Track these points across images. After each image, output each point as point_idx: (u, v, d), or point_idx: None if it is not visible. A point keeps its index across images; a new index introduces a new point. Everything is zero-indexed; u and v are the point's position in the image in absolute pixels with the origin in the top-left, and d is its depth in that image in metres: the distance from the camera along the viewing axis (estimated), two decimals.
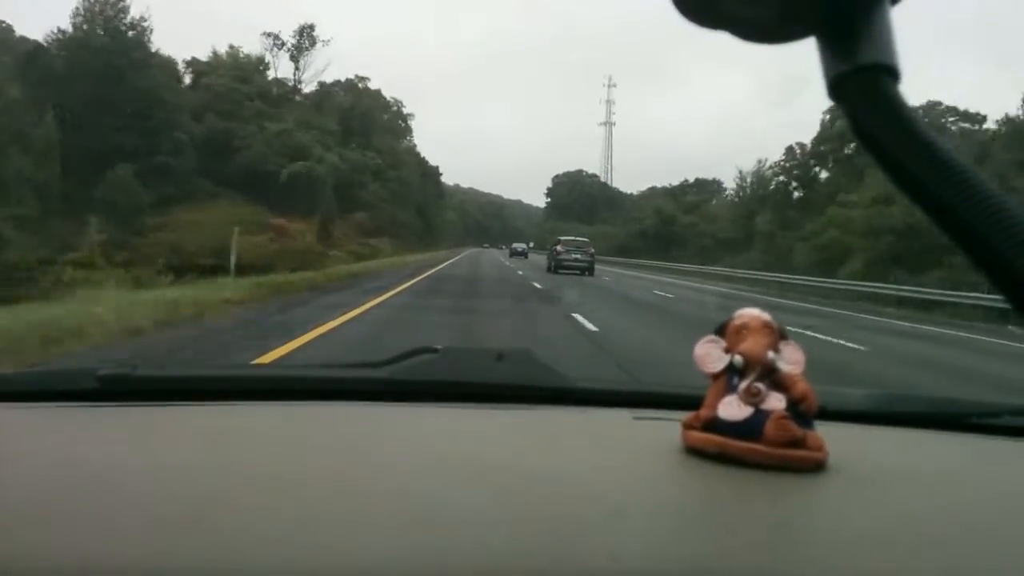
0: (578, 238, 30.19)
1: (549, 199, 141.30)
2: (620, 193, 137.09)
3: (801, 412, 0.74)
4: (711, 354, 0.78)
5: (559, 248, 27.74)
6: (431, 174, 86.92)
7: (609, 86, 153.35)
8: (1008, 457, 0.96)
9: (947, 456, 0.93)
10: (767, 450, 0.71)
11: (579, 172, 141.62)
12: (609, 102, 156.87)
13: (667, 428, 0.82)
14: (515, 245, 58.46)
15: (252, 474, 0.68)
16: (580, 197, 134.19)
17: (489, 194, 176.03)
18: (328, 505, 0.60)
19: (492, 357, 1.06)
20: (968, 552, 0.60)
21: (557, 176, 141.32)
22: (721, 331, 0.80)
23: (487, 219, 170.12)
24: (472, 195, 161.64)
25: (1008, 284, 0.30)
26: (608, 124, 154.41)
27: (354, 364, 1.12)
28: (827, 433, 0.76)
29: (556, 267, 26.55)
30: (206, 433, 0.83)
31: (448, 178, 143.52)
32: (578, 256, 26.88)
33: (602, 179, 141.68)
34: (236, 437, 0.82)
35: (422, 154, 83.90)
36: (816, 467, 0.73)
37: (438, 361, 1.05)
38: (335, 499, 0.62)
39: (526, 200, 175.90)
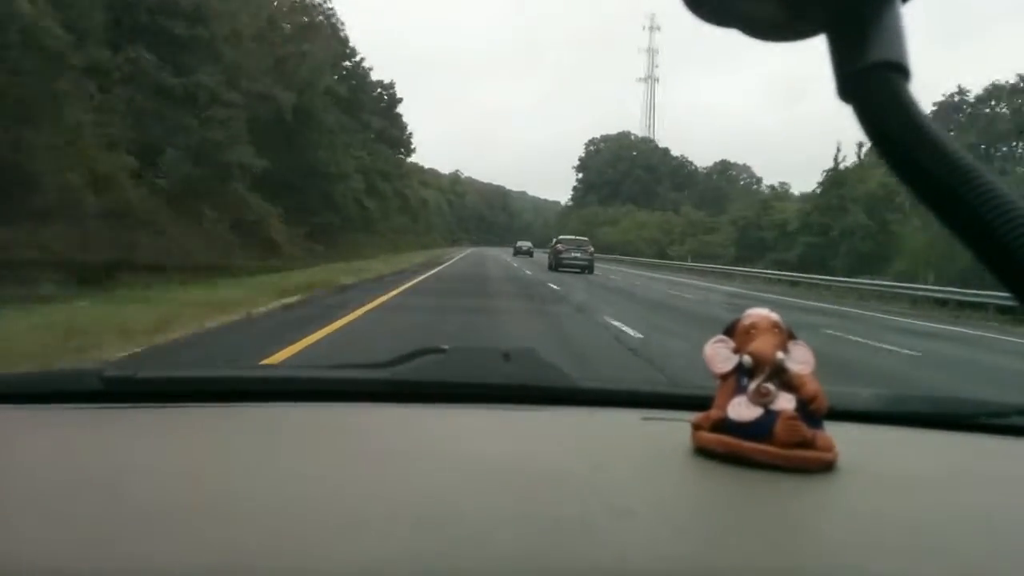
0: (578, 237, 31.32)
1: (581, 175, 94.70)
2: (686, 163, 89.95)
3: (810, 412, 0.73)
4: (720, 354, 0.78)
5: (560, 247, 28.93)
6: (365, 81, 41.13)
7: (652, 29, 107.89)
8: (1017, 457, 0.95)
9: (956, 456, 0.92)
10: (777, 451, 0.71)
11: (626, 135, 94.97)
12: (651, 51, 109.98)
13: (676, 429, 0.81)
14: (519, 243, 55.46)
15: (256, 475, 0.68)
16: (630, 169, 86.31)
17: (489, 184, 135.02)
18: (333, 506, 0.60)
19: (498, 357, 1.05)
20: (977, 552, 0.60)
21: (592, 142, 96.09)
22: (730, 331, 0.79)
23: (491, 211, 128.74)
24: (470, 184, 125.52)
25: (1017, 282, 0.30)
26: (650, 79, 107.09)
27: (359, 365, 1.10)
28: (836, 433, 0.75)
29: (557, 265, 27.80)
30: (210, 434, 0.83)
31: (444, 167, 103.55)
32: (578, 255, 28.04)
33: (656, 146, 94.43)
34: (240, 438, 0.82)
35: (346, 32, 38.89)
36: (825, 468, 0.73)
37: (444, 361, 1.04)
38: (340, 500, 0.62)
39: (531, 192, 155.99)
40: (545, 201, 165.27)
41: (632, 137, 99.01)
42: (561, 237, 30.94)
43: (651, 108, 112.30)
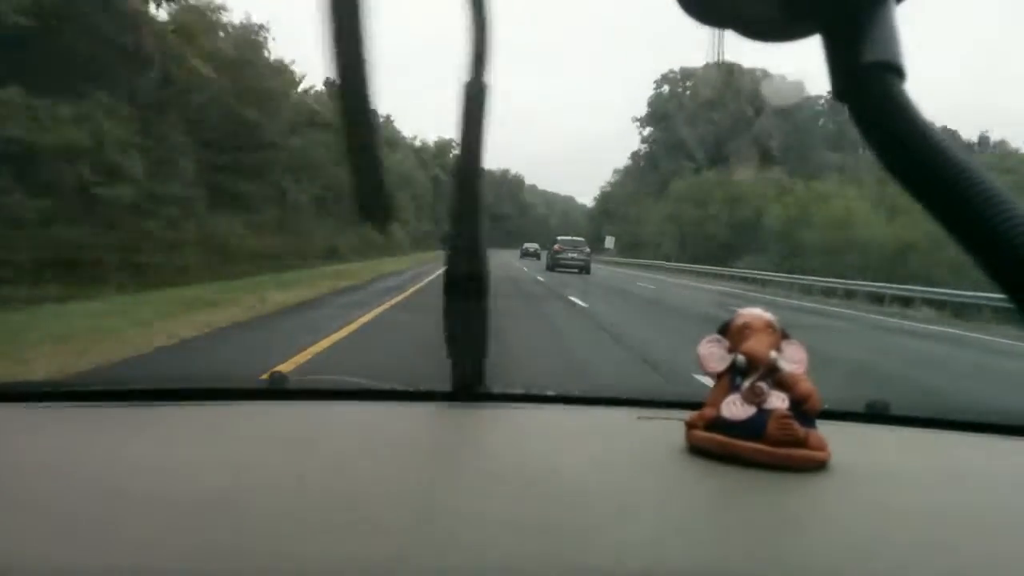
0: (575, 238, 31.54)
1: (648, 130, 55.70)
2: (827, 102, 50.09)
3: (803, 412, 0.74)
4: (714, 353, 0.78)
5: (556, 248, 29.17)
6: None
7: None
8: (1008, 456, 0.96)
9: (948, 455, 0.92)
10: (770, 450, 0.72)
11: (722, 65, 55.72)
12: None
13: (670, 427, 0.82)
14: (526, 245, 53.44)
15: (252, 474, 0.68)
16: (741, 113, 45.52)
17: (493, 171, 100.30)
18: (329, 505, 0.60)
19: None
20: (970, 551, 0.60)
21: (667, 78, 57.32)
22: (724, 331, 0.80)
23: (497, 201, 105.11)
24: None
25: (1015, 283, 0.29)
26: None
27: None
28: (829, 432, 0.76)
29: (554, 266, 28.10)
30: (206, 432, 0.84)
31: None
32: (574, 255, 28.16)
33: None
34: (237, 436, 0.82)
35: None
36: (818, 466, 0.73)
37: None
38: (337, 499, 0.62)
39: (541, 186, 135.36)
40: (556, 195, 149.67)
41: (733, 67, 60.30)
42: (559, 238, 31.18)
43: (719, 51, 73.34)
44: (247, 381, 1.02)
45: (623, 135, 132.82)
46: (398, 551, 0.52)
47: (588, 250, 29.16)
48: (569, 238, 31.06)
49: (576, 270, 27.05)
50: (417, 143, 66.73)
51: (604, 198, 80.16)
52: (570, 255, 28.05)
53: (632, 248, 52.87)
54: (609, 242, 54.50)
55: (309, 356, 5.70)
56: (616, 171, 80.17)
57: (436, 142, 74.78)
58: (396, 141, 55.44)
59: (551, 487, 0.67)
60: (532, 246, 52.80)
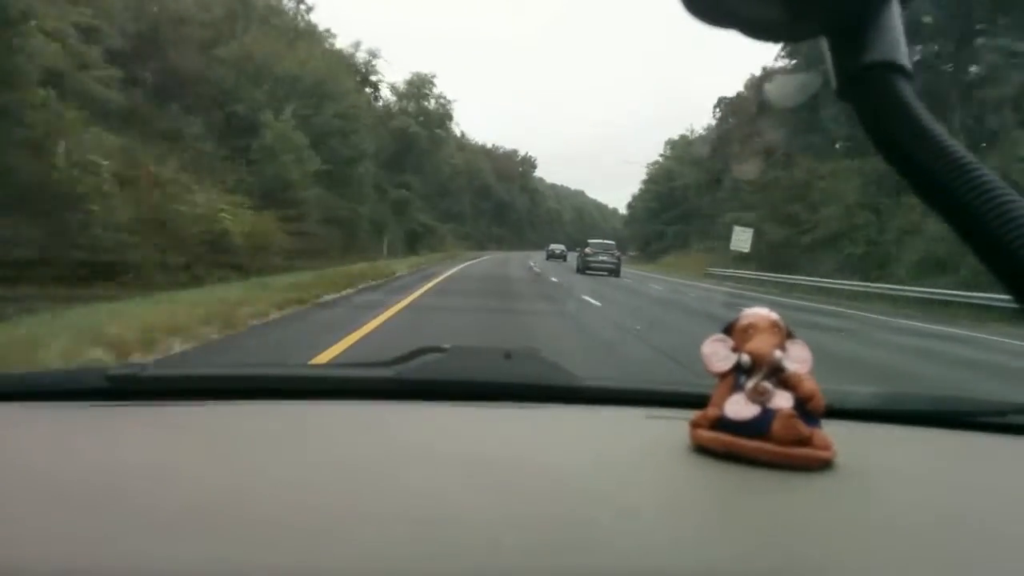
0: (605, 241, 32.13)
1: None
2: None
3: (808, 411, 0.74)
4: (718, 353, 0.78)
5: (587, 251, 29.65)
6: None
7: None
8: (1013, 455, 0.96)
9: (953, 454, 0.93)
10: (775, 449, 0.72)
11: None
12: None
13: (675, 427, 0.82)
14: (552, 247, 51.59)
15: (260, 474, 0.68)
16: None
17: (500, 150, 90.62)
18: (336, 505, 0.60)
19: (500, 356, 1.06)
20: (973, 550, 0.60)
21: None
22: (728, 330, 0.80)
23: (504, 184, 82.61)
24: (473, 146, 78.56)
25: (1016, 281, 0.29)
26: None
27: (362, 363, 1.11)
28: (834, 432, 0.76)
29: (584, 268, 28.43)
30: (213, 432, 0.84)
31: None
32: (605, 258, 28.52)
33: None
34: (244, 437, 0.82)
35: None
36: (823, 466, 0.73)
37: (446, 360, 1.05)
38: (343, 499, 0.62)
39: (548, 179, 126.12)
40: (566, 189, 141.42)
41: None
42: (590, 241, 31.48)
43: None
44: (248, 381, 1.02)
45: (636, 126, 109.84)
46: (403, 551, 0.52)
47: (618, 254, 29.63)
48: (599, 241, 31.52)
49: (605, 272, 27.19)
50: (359, 55, 38.81)
51: (663, 176, 53.25)
52: (600, 258, 28.41)
53: (782, 253, 25.13)
54: (741, 239, 25.42)
55: None
56: (670, 142, 54.64)
57: (410, 80, 46.64)
58: (302, 33, 27.40)
59: (555, 486, 0.67)
60: (558, 247, 50.16)
